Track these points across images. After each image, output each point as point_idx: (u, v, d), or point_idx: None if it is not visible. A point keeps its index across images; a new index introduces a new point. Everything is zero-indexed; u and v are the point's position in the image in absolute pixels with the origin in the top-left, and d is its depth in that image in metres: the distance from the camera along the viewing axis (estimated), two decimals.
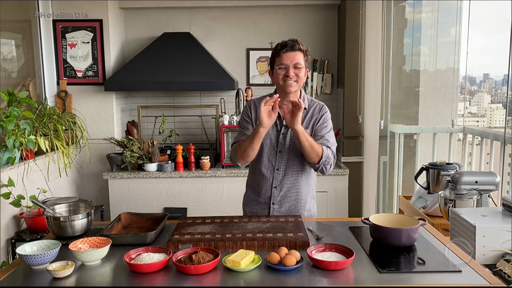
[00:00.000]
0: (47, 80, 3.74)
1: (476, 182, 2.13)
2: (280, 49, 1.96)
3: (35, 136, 2.92)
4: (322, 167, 2.00)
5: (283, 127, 2.04)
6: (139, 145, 3.64)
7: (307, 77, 4.02)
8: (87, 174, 3.86)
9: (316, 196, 2.25)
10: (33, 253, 1.58)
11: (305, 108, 2.03)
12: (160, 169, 3.59)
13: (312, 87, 4.07)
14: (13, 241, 2.84)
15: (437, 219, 2.33)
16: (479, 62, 3.14)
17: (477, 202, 2.11)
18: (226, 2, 3.93)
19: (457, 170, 2.38)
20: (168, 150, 3.85)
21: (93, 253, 1.55)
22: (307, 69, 2.02)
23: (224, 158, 3.63)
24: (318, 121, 2.05)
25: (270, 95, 2.02)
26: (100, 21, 3.75)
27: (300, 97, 2.04)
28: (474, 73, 3.31)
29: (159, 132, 4.02)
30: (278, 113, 2.01)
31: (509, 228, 1.63)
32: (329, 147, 2.02)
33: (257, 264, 1.50)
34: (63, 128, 3.31)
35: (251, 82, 4.11)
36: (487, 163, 2.87)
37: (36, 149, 2.89)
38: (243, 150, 2.00)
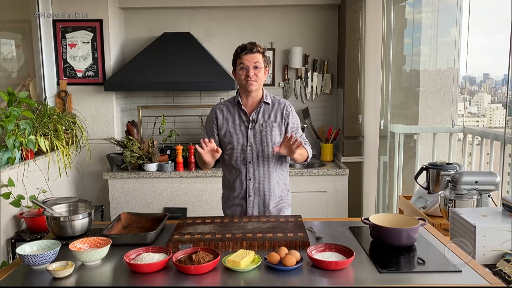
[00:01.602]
0: (47, 80, 3.74)
1: (476, 182, 2.13)
2: (240, 52, 2.13)
3: (35, 136, 2.92)
4: (306, 161, 2.23)
5: (250, 123, 2.18)
6: (139, 145, 3.64)
7: (307, 77, 4.05)
8: (87, 174, 3.86)
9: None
10: (33, 253, 1.58)
11: (268, 104, 2.21)
12: (160, 169, 3.59)
13: (312, 87, 4.07)
14: (13, 241, 2.84)
15: (437, 219, 2.33)
16: (479, 62, 3.14)
17: (477, 202, 2.11)
18: (226, 2, 3.92)
19: (457, 170, 2.38)
20: (168, 150, 3.85)
21: (93, 253, 1.55)
22: (267, 69, 2.19)
23: None
24: (287, 119, 2.20)
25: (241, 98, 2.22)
26: (100, 21, 3.75)
27: (262, 95, 2.21)
28: (474, 73, 3.31)
29: (159, 132, 4.02)
30: (244, 110, 2.19)
31: (509, 228, 1.63)
32: (304, 140, 2.22)
33: (257, 264, 1.50)
34: (63, 128, 3.31)
35: None
36: (487, 163, 2.87)
37: (36, 149, 2.89)
38: (200, 162, 2.18)
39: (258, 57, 2.12)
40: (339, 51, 4.03)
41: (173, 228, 1.85)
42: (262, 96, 2.21)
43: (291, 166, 3.53)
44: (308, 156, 2.20)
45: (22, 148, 2.82)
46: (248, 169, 2.19)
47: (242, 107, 2.20)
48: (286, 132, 2.21)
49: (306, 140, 2.26)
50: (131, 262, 1.51)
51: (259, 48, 2.13)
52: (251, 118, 2.18)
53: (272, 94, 2.28)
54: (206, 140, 2.02)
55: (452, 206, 2.10)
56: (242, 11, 4.05)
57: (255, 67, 2.11)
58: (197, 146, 2.02)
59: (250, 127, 2.18)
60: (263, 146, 2.17)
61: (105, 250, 1.58)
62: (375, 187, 3.41)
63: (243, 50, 2.11)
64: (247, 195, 2.21)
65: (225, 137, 2.22)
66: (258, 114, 2.19)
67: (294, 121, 2.23)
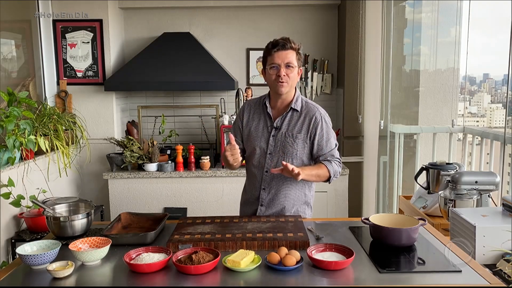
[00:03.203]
0: (47, 80, 3.74)
1: (476, 182, 2.13)
2: (271, 48, 1.93)
3: (35, 136, 2.92)
4: (332, 180, 2.01)
5: (273, 129, 2.02)
6: (139, 145, 3.64)
7: (307, 77, 4.05)
8: (87, 174, 3.86)
9: (314, 200, 2.21)
10: (33, 253, 1.58)
11: (297, 111, 2.01)
12: (160, 169, 3.59)
13: (312, 87, 4.07)
14: (13, 241, 2.84)
15: (437, 219, 2.33)
16: (479, 62, 3.14)
17: (477, 202, 2.11)
18: (226, 2, 3.92)
19: (457, 170, 2.38)
20: (168, 150, 3.85)
21: (93, 253, 1.55)
22: (300, 69, 1.99)
23: None
24: (315, 131, 1.99)
25: (264, 97, 2.09)
26: (100, 21, 3.75)
27: (292, 99, 2.01)
28: (474, 73, 3.31)
29: (159, 132, 4.02)
30: (269, 114, 2.02)
31: (509, 228, 1.63)
32: (333, 157, 2.01)
33: (257, 264, 1.50)
34: (63, 128, 3.31)
35: (251, 82, 4.11)
36: (487, 163, 2.87)
37: (36, 149, 2.89)
38: (225, 162, 2.00)
39: (291, 55, 1.91)
40: (339, 51, 4.03)
41: (173, 228, 1.85)
42: (292, 100, 2.00)
43: None
44: (330, 177, 1.96)
45: (22, 148, 2.82)
46: (264, 178, 2.04)
47: (268, 110, 2.02)
48: (312, 144, 2.00)
49: (336, 156, 2.02)
50: (131, 262, 1.51)
51: (292, 45, 1.91)
52: (275, 125, 2.00)
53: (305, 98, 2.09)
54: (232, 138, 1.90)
55: (452, 206, 2.10)
56: (242, 11, 4.05)
57: (287, 66, 1.90)
58: (225, 148, 1.91)
59: (272, 133, 2.00)
60: (283, 157, 1.98)
61: (105, 250, 1.58)
62: (375, 187, 3.41)
63: (274, 46, 1.92)
64: (260, 204, 2.08)
65: (247, 138, 2.07)
66: (284, 121, 2.00)
67: (324, 133, 1.99)
